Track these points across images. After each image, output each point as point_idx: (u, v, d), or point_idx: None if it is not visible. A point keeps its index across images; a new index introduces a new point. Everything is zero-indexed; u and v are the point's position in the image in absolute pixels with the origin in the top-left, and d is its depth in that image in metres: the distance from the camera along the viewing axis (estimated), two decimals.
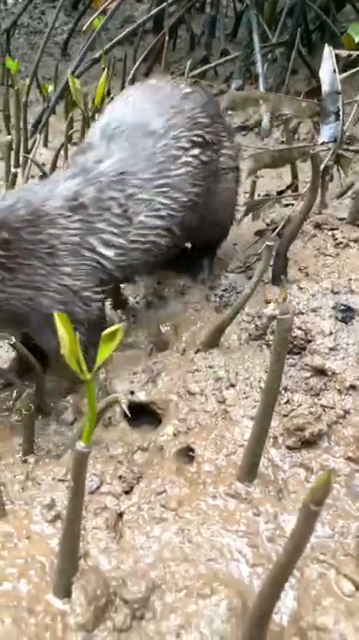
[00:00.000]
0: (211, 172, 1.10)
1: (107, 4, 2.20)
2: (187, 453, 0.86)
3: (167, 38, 2.02)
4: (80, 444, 0.58)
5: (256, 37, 2.08)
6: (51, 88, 2.25)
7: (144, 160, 1.01)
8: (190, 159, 1.05)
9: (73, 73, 2.21)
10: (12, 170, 1.88)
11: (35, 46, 3.84)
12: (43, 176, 1.83)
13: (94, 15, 2.11)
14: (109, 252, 0.97)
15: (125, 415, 0.96)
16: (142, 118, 1.05)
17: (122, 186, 0.99)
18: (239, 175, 1.24)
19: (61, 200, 0.96)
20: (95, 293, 0.97)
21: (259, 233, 1.25)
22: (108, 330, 0.52)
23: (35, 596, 0.69)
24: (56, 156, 2.10)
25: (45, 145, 2.47)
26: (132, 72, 2.46)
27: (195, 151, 1.06)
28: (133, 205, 1.00)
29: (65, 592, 0.68)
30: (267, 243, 0.86)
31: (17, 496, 0.85)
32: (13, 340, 0.84)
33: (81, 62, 2.70)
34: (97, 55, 2.30)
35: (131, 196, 1.00)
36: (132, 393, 0.98)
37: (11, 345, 0.88)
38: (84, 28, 2.12)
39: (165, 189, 1.02)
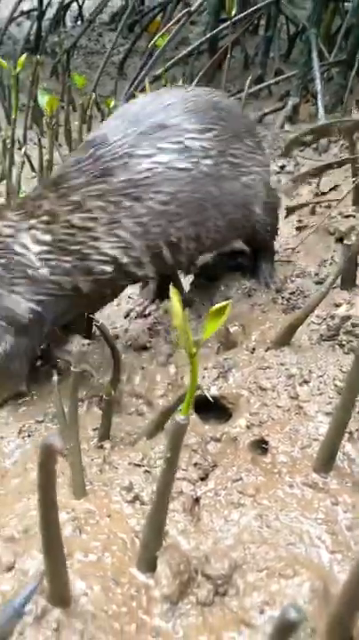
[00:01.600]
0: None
1: (166, 28, 2.29)
2: (260, 445, 0.88)
3: (228, 55, 2.08)
4: (179, 417, 0.61)
5: (315, 56, 2.12)
6: (113, 103, 2.34)
7: None
8: None
9: (135, 89, 2.29)
10: None
11: (92, 66, 3.99)
12: None
13: (157, 36, 2.20)
14: None
15: (195, 408, 1.00)
16: None
17: None
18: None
19: None
20: None
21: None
22: (217, 306, 0.56)
23: (120, 568, 0.72)
24: None
25: None
26: None
27: None
28: None
29: (148, 566, 0.71)
30: (346, 242, 0.89)
31: (95, 478, 0.88)
32: (100, 321, 0.88)
33: (136, 79, 2.80)
34: (158, 72, 2.38)
35: None
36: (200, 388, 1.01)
37: (97, 327, 0.92)
38: (150, 46, 2.21)
39: None
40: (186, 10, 2.13)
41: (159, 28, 3.81)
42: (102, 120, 2.70)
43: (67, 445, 0.82)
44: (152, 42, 2.18)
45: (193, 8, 2.14)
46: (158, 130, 1.04)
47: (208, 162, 1.06)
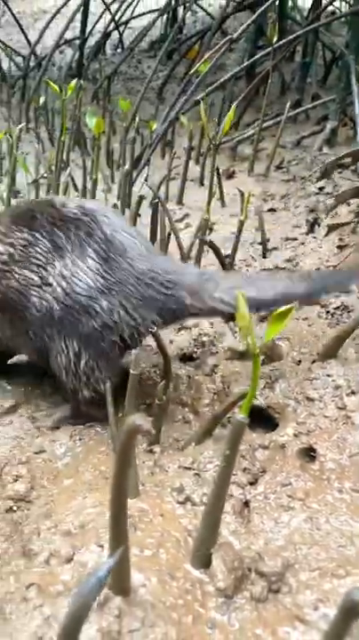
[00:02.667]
0: None
1: (209, 55, 2.37)
2: (308, 453, 0.91)
3: (270, 80, 2.15)
4: (239, 415, 0.64)
5: (354, 80, 2.17)
6: (155, 126, 2.43)
7: None
8: None
9: (177, 112, 2.37)
10: (114, 202, 2.05)
11: (132, 91, 4.12)
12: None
13: (200, 62, 2.28)
14: None
15: None
16: None
17: None
18: None
19: None
20: None
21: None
22: (280, 309, 0.59)
23: (174, 564, 0.75)
24: (157, 188, 2.25)
25: (145, 179, 2.65)
26: (203, 115, 2.61)
27: None
28: None
29: (203, 563, 0.74)
30: None
31: (147, 480, 0.92)
32: (155, 328, 0.93)
33: (175, 104, 2.89)
34: (199, 97, 2.46)
35: None
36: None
37: (152, 334, 0.97)
38: (192, 72, 2.29)
39: None
40: (228, 37, 2.21)
41: (198, 54, 3.93)
42: (142, 143, 2.79)
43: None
44: (194, 68, 2.26)
45: (235, 36, 2.22)
46: None
47: None
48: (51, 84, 1.83)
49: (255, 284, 1.03)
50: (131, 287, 1.00)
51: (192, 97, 2.36)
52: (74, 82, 1.90)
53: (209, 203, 1.37)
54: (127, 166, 2.06)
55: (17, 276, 1.04)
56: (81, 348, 1.01)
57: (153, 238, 1.69)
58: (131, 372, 0.85)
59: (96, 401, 1.06)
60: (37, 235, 1.04)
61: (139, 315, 1.00)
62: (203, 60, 2.24)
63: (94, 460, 1.02)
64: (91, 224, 1.02)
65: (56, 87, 1.85)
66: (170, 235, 1.51)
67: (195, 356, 1.21)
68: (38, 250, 1.03)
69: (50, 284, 1.01)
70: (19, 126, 1.98)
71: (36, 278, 1.03)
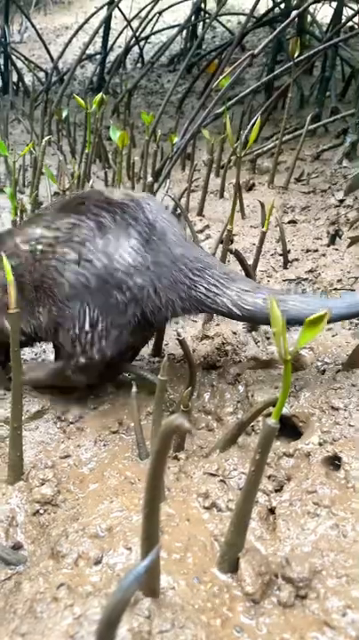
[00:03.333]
0: None
1: (231, 70, 2.40)
2: (333, 461, 0.91)
3: (290, 95, 2.18)
4: (271, 421, 0.65)
5: None
6: (176, 139, 2.46)
7: None
8: None
9: (199, 126, 2.40)
10: None
11: (152, 105, 4.18)
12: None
13: (222, 77, 2.31)
14: None
15: None
16: None
17: None
18: None
19: None
20: None
21: None
22: (314, 315, 0.61)
23: (201, 568, 0.76)
24: (178, 200, 2.27)
25: (166, 192, 2.69)
26: (247, 130, 2.64)
27: None
28: None
29: (230, 567, 0.75)
30: None
31: (172, 485, 0.93)
32: (182, 337, 0.94)
33: (194, 117, 2.93)
34: (220, 110, 2.50)
35: None
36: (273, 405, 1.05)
37: (179, 341, 0.98)
38: (215, 85, 2.33)
39: None
40: (249, 53, 2.24)
41: (217, 69, 3.98)
42: (162, 156, 2.83)
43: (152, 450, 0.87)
44: (216, 82, 2.29)
45: (256, 51, 2.25)
46: None
47: None
48: (78, 98, 1.87)
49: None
50: (165, 269, 1.06)
51: (213, 111, 2.39)
52: (99, 96, 1.94)
53: (232, 213, 1.38)
54: (150, 178, 2.09)
55: (57, 254, 1.09)
56: (100, 317, 1.07)
57: None
58: (160, 377, 0.86)
59: (84, 368, 1.13)
60: (83, 217, 1.09)
61: (166, 295, 1.07)
62: (224, 74, 2.27)
63: (119, 465, 1.03)
64: (136, 209, 1.08)
65: (82, 102, 1.89)
66: None
67: (218, 364, 1.22)
68: (83, 230, 1.08)
69: (89, 260, 1.07)
70: (46, 139, 2.02)
71: (74, 254, 1.08)
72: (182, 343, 0.95)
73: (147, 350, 1.39)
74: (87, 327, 1.09)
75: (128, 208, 1.08)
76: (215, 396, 1.15)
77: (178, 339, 0.99)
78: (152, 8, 3.99)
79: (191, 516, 0.85)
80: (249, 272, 1.21)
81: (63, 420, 1.18)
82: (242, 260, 1.21)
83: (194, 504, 0.88)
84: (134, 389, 1.04)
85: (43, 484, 1.01)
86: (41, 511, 0.98)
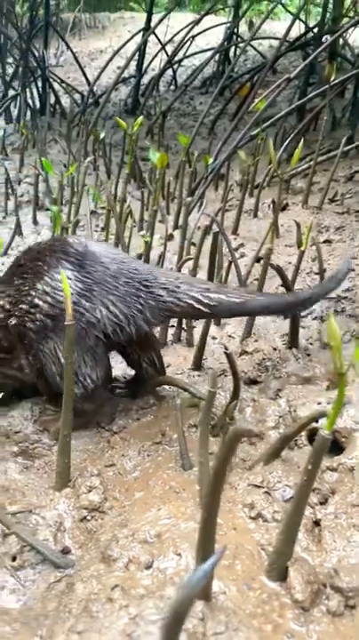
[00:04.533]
0: None
1: (266, 93, 2.46)
2: None
3: (325, 117, 2.22)
4: (324, 432, 0.68)
5: None
6: (210, 160, 2.52)
7: None
8: None
9: (235, 147, 2.46)
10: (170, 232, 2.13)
11: (184, 126, 4.27)
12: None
13: (258, 100, 2.37)
14: None
15: (309, 439, 1.06)
16: None
17: None
18: None
19: None
20: None
21: None
22: None
23: (250, 575, 0.78)
24: (212, 221, 2.32)
25: (200, 211, 2.74)
26: (281, 152, 2.69)
27: None
28: None
29: (278, 575, 0.77)
30: None
31: None
32: (229, 350, 0.98)
33: (228, 139, 2.99)
34: (255, 132, 2.55)
35: None
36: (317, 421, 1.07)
37: (226, 354, 1.02)
38: (251, 107, 2.38)
39: None
40: (286, 77, 2.30)
41: (250, 92, 4.06)
42: (195, 177, 2.89)
43: (200, 460, 0.90)
44: (253, 105, 2.35)
45: (292, 75, 2.30)
46: None
47: None
48: (120, 120, 1.94)
49: (223, 290, 1.16)
50: (108, 286, 1.11)
51: (248, 133, 2.45)
52: (139, 119, 2.01)
53: (272, 232, 1.42)
54: (189, 198, 2.15)
55: (17, 314, 1.17)
56: None
57: (212, 266, 1.76)
58: (210, 389, 0.89)
59: (86, 396, 1.17)
60: (24, 275, 1.17)
61: (120, 311, 1.11)
62: (260, 98, 2.33)
63: (164, 475, 1.06)
64: (63, 244, 1.16)
65: (123, 123, 1.96)
66: (231, 263, 1.57)
67: (259, 380, 1.25)
68: (26, 285, 1.16)
69: (37, 305, 1.14)
70: (88, 160, 2.10)
71: (26, 306, 1.15)
72: (229, 356, 0.98)
73: (186, 365, 1.43)
74: (62, 359, 1.13)
75: (55, 247, 1.15)
76: (256, 410, 1.17)
77: (225, 352, 1.02)
78: (189, 32, 4.09)
79: (237, 526, 0.87)
80: (289, 288, 1.24)
81: (107, 430, 1.22)
82: (283, 277, 1.24)
83: (239, 514, 0.90)
84: (178, 402, 1.08)
85: (90, 491, 1.04)
86: (88, 517, 1.01)
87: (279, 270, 1.24)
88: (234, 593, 0.74)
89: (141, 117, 2.04)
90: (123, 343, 1.18)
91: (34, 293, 1.14)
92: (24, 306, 1.16)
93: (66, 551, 0.97)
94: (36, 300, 1.14)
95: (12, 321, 1.17)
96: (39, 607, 0.87)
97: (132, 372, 1.32)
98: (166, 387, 1.31)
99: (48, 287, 1.13)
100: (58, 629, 0.76)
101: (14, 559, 0.95)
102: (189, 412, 1.20)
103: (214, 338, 1.54)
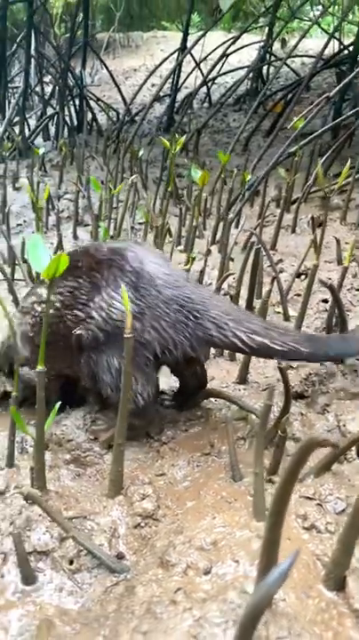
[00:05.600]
0: None
1: (306, 110, 2.51)
2: None
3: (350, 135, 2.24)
4: None
5: None
6: (249, 177, 2.57)
7: None
8: None
9: (274, 164, 2.50)
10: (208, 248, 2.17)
11: (218, 143, 4.34)
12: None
13: (297, 118, 2.41)
14: None
15: None
16: None
17: None
18: None
19: None
20: None
21: None
22: None
23: (306, 584, 0.80)
24: (250, 235, 2.36)
25: (236, 226, 2.78)
26: (317, 169, 2.72)
27: None
28: None
29: (336, 584, 0.79)
30: None
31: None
32: (283, 364, 1.01)
33: (262, 156, 3.04)
34: (293, 149, 2.58)
35: None
36: None
37: (279, 369, 1.05)
38: (290, 127, 2.43)
39: None
40: (325, 95, 2.34)
41: (284, 109, 4.11)
42: (230, 194, 2.94)
43: (256, 470, 0.93)
44: (291, 124, 2.39)
45: (331, 94, 2.34)
46: None
47: None
48: (164, 140, 2.01)
49: (270, 334, 1.17)
50: (159, 311, 1.16)
51: (286, 150, 2.49)
52: (182, 138, 2.07)
53: (315, 248, 1.45)
54: (231, 214, 2.19)
55: (70, 318, 1.23)
56: (121, 364, 1.17)
57: (253, 281, 1.79)
58: (266, 402, 0.93)
59: (137, 412, 1.20)
60: (79, 279, 1.23)
61: (169, 336, 1.16)
62: (299, 116, 2.37)
63: (214, 485, 1.09)
64: (121, 260, 1.20)
65: (167, 143, 2.03)
66: (274, 279, 1.60)
67: (306, 394, 1.27)
68: (82, 292, 1.22)
69: (93, 317, 1.19)
70: (132, 177, 2.16)
71: (82, 314, 1.21)
72: (282, 370, 1.01)
73: (230, 378, 1.46)
74: (115, 374, 1.19)
75: (113, 262, 1.20)
76: (304, 424, 1.19)
77: (279, 367, 1.05)
78: (226, 50, 4.16)
79: (291, 536, 0.90)
80: (341, 306, 1.27)
81: (156, 441, 1.26)
82: (336, 297, 1.27)
83: (293, 524, 0.92)
84: (228, 414, 1.11)
85: (143, 499, 1.08)
86: (142, 524, 1.04)
87: (332, 289, 1.27)
88: (293, 600, 0.76)
89: (182, 138, 2.10)
90: (171, 363, 1.24)
91: (91, 305, 1.19)
92: (79, 313, 1.21)
93: (120, 556, 1.01)
94: (93, 313, 1.19)
95: (66, 323, 1.23)
96: (98, 609, 0.90)
97: (177, 385, 1.36)
98: (212, 399, 1.34)
99: (104, 303, 1.18)
100: (122, 629, 0.80)
101: (71, 562, 0.99)
102: (237, 425, 1.23)
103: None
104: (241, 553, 0.86)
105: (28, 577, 0.97)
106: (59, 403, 1.19)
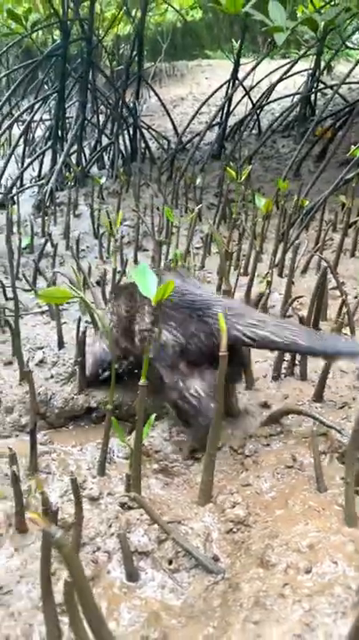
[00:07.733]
0: None
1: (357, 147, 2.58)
2: None
3: None
4: None
5: None
6: (307, 203, 2.66)
7: None
8: None
9: (332, 190, 2.58)
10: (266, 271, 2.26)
11: (268, 169, 4.45)
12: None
13: (354, 148, 2.50)
14: None
15: None
16: None
17: None
18: None
19: None
20: None
21: None
22: None
23: None
24: (308, 261, 2.44)
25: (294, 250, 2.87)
26: None
27: None
28: None
29: None
30: None
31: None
32: None
33: (315, 181, 3.12)
34: (350, 176, 2.66)
35: None
36: None
37: None
38: (349, 155, 2.51)
39: None
40: None
41: (334, 135, 4.20)
42: (284, 219, 3.02)
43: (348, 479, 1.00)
44: (350, 152, 2.47)
45: None
46: None
47: None
48: (230, 171, 2.12)
49: (269, 327, 1.30)
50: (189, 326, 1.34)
51: (344, 176, 2.57)
52: (248, 168, 2.19)
53: None
54: (298, 240, 2.28)
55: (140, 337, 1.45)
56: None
57: (319, 303, 1.87)
58: None
59: (196, 411, 1.33)
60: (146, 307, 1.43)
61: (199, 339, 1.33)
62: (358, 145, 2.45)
63: (301, 495, 1.16)
64: (208, 314, 1.33)
65: (232, 173, 2.14)
66: (344, 302, 1.68)
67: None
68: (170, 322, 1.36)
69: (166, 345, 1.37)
70: (197, 208, 2.28)
71: (170, 337, 1.37)
72: None
73: (304, 396, 1.53)
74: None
75: (202, 312, 1.33)
76: None
77: None
78: (279, 79, 4.29)
79: None
80: None
81: (239, 454, 1.34)
82: None
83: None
84: (314, 428, 1.18)
85: (234, 507, 1.16)
86: (234, 530, 1.13)
87: None
88: None
89: (250, 167, 2.21)
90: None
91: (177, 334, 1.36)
92: (165, 334, 1.36)
93: (215, 559, 1.09)
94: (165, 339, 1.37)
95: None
96: (201, 604, 0.99)
97: None
98: (290, 416, 1.42)
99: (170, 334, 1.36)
100: (232, 620, 0.88)
101: (170, 563, 1.08)
102: (318, 440, 1.30)
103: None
104: (338, 555, 0.93)
105: (132, 574, 1.06)
106: (154, 415, 1.29)
